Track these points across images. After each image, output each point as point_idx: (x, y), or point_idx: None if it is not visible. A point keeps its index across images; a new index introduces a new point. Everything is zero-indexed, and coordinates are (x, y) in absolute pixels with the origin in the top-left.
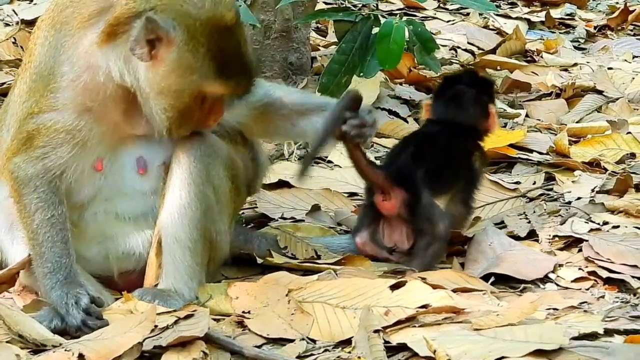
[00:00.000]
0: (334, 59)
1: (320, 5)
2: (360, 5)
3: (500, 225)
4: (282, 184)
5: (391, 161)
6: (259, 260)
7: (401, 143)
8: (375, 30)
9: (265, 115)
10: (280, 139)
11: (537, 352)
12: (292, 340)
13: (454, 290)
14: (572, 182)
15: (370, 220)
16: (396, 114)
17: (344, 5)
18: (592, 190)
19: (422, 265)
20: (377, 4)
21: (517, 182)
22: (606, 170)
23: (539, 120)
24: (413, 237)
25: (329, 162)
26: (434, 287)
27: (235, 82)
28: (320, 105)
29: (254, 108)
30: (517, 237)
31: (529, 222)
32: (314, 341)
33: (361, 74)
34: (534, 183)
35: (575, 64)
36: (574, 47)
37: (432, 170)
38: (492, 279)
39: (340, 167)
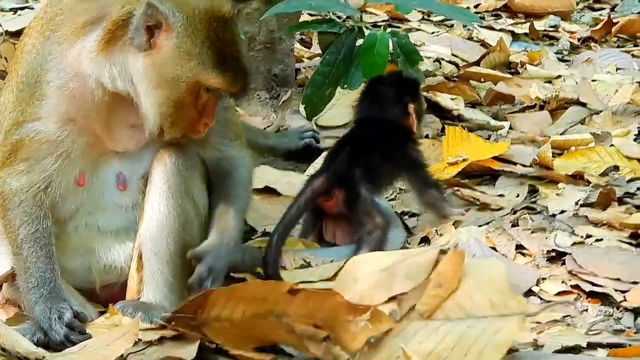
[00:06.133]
0: (318, 70)
1: (304, 17)
2: (344, 17)
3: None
4: (268, 190)
5: (330, 163)
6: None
7: (337, 145)
8: (359, 42)
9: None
10: None
11: None
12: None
13: None
14: (556, 194)
15: (315, 222)
16: None
17: (328, 17)
18: (576, 203)
19: (369, 249)
20: (361, 16)
21: (501, 195)
22: (590, 183)
23: (523, 132)
24: (353, 232)
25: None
26: None
27: (231, 76)
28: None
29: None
30: (500, 250)
31: (512, 235)
32: None
33: (345, 85)
34: (518, 196)
35: (559, 76)
36: (558, 59)
37: (368, 168)
38: None
39: None
